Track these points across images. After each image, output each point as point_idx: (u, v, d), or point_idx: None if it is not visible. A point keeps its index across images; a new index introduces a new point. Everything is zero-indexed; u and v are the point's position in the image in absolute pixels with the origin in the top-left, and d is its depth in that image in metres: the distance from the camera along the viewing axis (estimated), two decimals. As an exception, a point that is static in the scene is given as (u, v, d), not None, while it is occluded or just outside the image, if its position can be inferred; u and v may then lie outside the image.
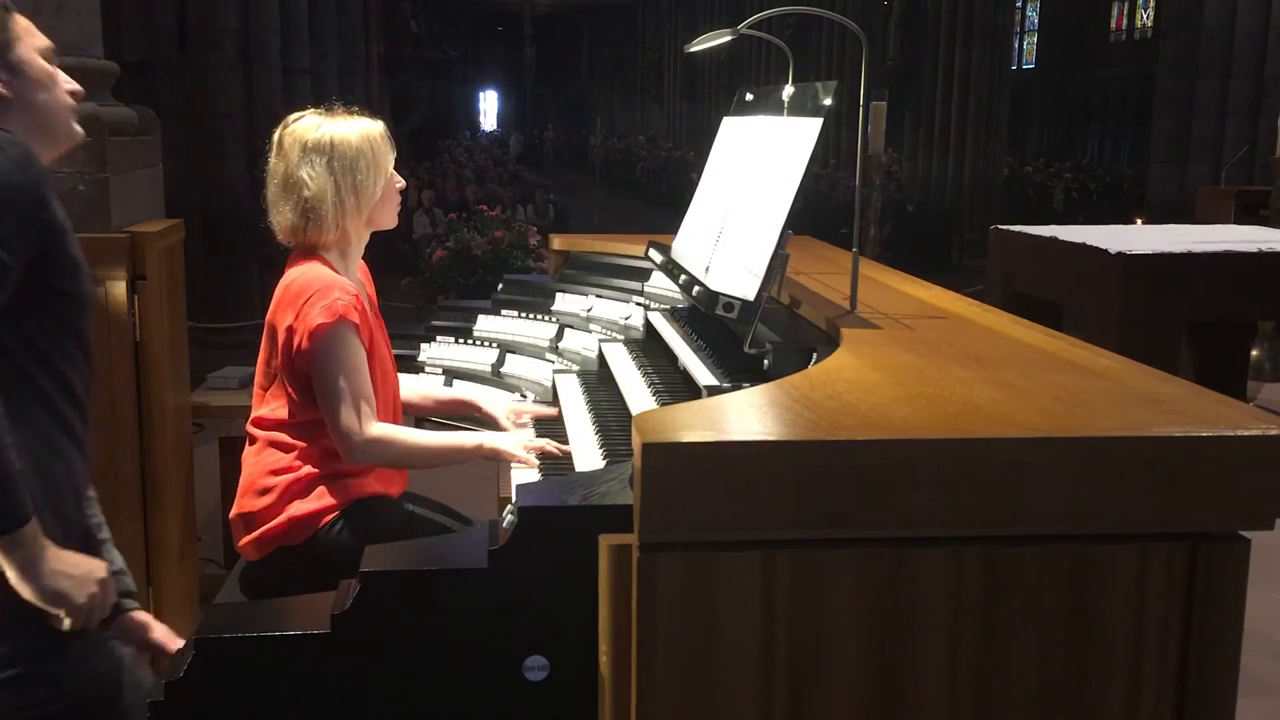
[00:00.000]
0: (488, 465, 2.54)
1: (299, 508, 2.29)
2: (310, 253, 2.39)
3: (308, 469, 2.32)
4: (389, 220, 2.49)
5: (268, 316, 2.39)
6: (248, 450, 2.42)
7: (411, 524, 2.39)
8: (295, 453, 2.33)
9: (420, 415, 2.89)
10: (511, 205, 13.76)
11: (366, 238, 2.49)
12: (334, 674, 1.73)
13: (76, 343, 1.93)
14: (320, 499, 2.30)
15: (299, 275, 2.34)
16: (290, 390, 2.34)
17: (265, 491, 2.32)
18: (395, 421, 2.47)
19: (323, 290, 2.28)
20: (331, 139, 2.35)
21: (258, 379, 2.43)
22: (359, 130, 2.39)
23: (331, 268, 2.37)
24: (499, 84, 41.88)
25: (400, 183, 2.49)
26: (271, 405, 2.37)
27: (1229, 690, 1.60)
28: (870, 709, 1.58)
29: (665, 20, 34.30)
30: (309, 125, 2.38)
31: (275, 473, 2.32)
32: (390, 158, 2.44)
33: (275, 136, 2.41)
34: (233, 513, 2.39)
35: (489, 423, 2.68)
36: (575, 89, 41.53)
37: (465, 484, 2.73)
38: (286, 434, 2.34)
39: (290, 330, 2.29)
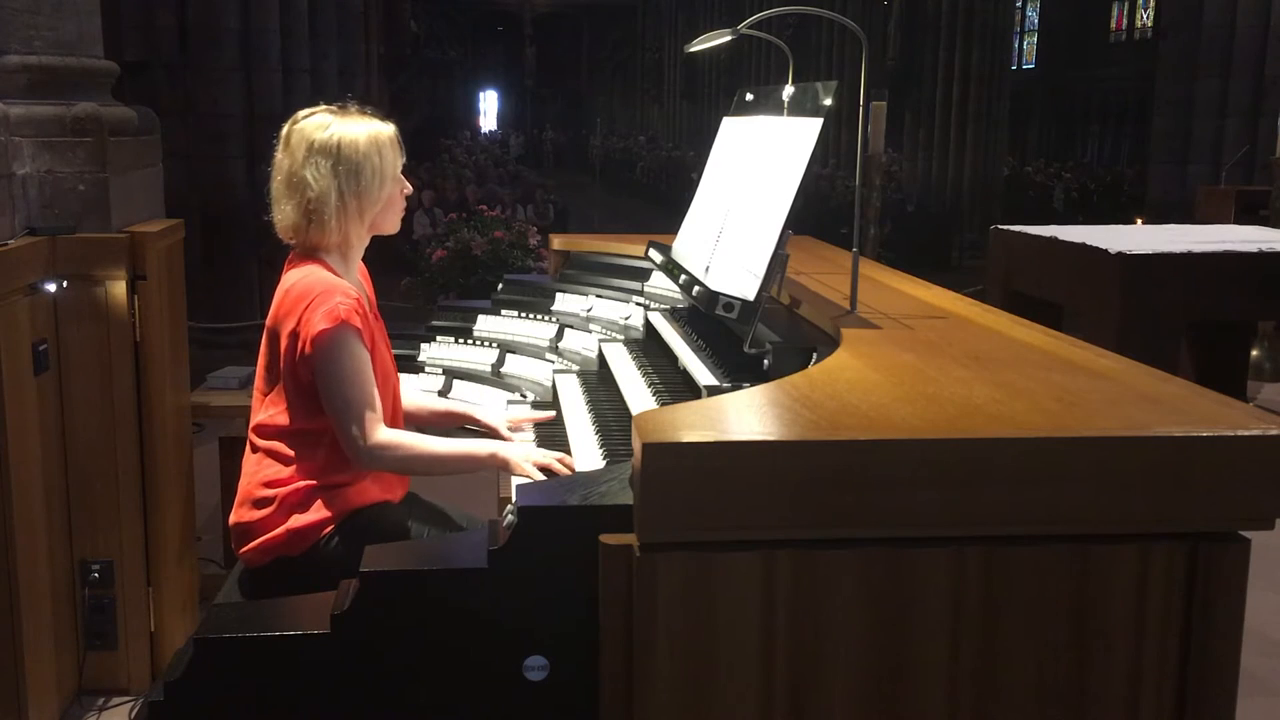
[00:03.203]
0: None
1: (297, 520, 2.26)
2: (310, 254, 2.36)
3: (305, 482, 2.28)
4: (392, 226, 2.45)
5: (267, 320, 2.35)
6: (247, 457, 2.39)
7: (409, 534, 2.38)
8: (293, 465, 2.29)
9: (417, 425, 2.86)
10: (511, 205, 13.76)
11: (367, 241, 2.45)
12: (334, 674, 1.73)
13: None
14: (319, 511, 2.27)
15: (300, 279, 2.31)
16: (291, 396, 2.30)
17: (262, 503, 2.29)
18: (396, 423, 2.45)
19: (324, 294, 2.25)
20: (339, 141, 2.31)
21: (257, 384, 2.39)
22: (368, 133, 2.34)
23: (332, 270, 2.34)
24: (499, 84, 41.85)
25: (408, 188, 2.44)
26: (271, 411, 2.34)
27: (1229, 690, 1.60)
28: (870, 708, 1.58)
29: (665, 20, 34.27)
30: (317, 124, 2.34)
31: (271, 484, 2.29)
32: (398, 163, 2.40)
33: (283, 131, 2.36)
34: (231, 520, 2.37)
35: (487, 434, 2.65)
36: (575, 89, 41.50)
37: (465, 484, 2.72)
38: (285, 443, 2.31)
39: (293, 335, 2.25)
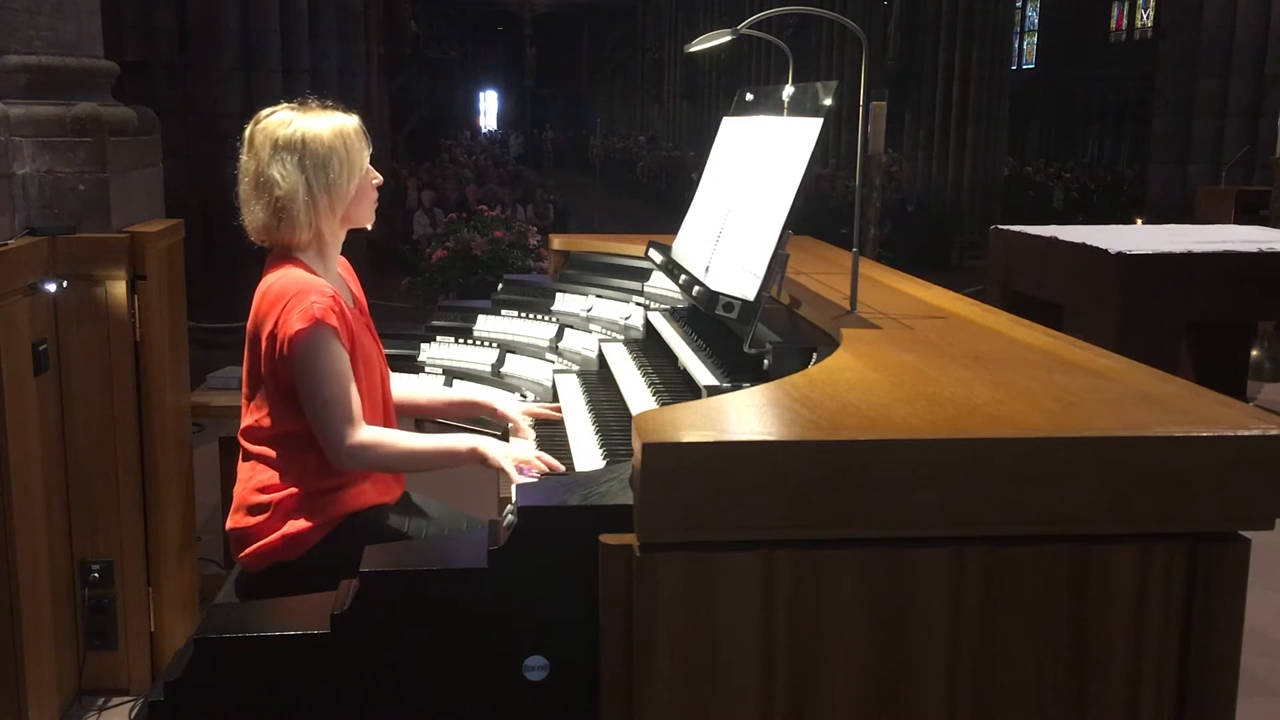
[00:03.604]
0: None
1: (293, 526, 2.25)
2: (286, 254, 2.33)
3: (298, 487, 2.26)
4: (365, 218, 2.42)
5: (248, 325, 2.32)
6: (241, 463, 2.37)
7: (407, 537, 2.37)
8: (284, 470, 2.28)
9: (430, 417, 2.84)
10: (511, 205, 13.76)
11: (343, 236, 2.42)
12: (334, 674, 1.73)
13: None
14: (314, 516, 2.26)
15: (275, 280, 2.28)
16: (273, 399, 2.28)
17: (257, 510, 2.27)
18: (387, 420, 2.43)
19: (299, 294, 2.22)
20: (303, 136, 2.28)
21: (244, 389, 2.37)
22: (332, 126, 2.31)
23: (309, 269, 2.31)
24: (499, 84, 41.84)
25: (377, 179, 2.41)
26: (257, 415, 2.32)
27: (1229, 690, 1.60)
28: (870, 708, 1.58)
29: (665, 20, 34.26)
30: (280, 121, 2.31)
31: (265, 490, 2.28)
32: (365, 154, 2.37)
33: (246, 133, 2.34)
34: (228, 526, 2.36)
35: (503, 425, 2.64)
36: (575, 89, 41.49)
37: (465, 484, 2.72)
38: (274, 448, 2.29)
39: (271, 337, 2.23)
